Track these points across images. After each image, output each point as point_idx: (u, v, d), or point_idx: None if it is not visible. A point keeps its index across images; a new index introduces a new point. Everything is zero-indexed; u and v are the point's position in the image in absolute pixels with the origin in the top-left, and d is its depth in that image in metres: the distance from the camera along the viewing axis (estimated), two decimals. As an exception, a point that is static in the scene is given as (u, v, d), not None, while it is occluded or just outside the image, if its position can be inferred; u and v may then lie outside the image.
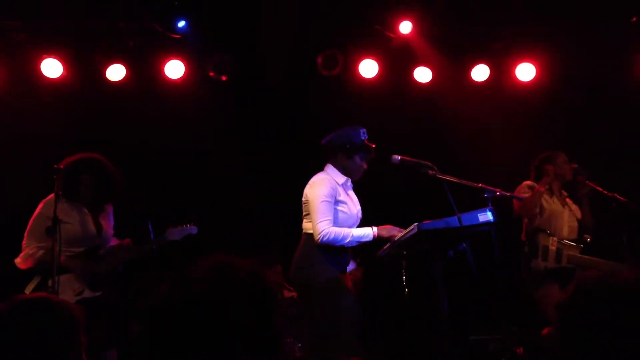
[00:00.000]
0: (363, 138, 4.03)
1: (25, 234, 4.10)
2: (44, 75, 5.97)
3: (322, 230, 3.78)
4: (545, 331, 4.81)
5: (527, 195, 4.81)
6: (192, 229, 4.39)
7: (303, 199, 4.01)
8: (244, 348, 1.28)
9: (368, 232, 3.88)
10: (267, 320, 1.34)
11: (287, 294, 6.16)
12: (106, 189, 4.22)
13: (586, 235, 4.93)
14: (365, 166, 4.07)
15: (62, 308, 1.87)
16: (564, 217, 4.93)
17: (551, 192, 4.96)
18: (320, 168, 4.12)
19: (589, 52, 6.29)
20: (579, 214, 5.02)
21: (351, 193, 4.09)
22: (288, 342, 5.26)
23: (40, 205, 4.11)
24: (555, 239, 4.78)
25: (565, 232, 4.88)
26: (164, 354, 1.27)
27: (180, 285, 1.32)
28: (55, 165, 4.03)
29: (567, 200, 5.06)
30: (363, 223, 4.10)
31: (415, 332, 6.05)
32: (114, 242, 4.33)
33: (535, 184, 4.92)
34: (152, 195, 5.94)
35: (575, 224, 4.96)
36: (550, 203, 4.90)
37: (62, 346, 1.81)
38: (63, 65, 5.97)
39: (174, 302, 1.31)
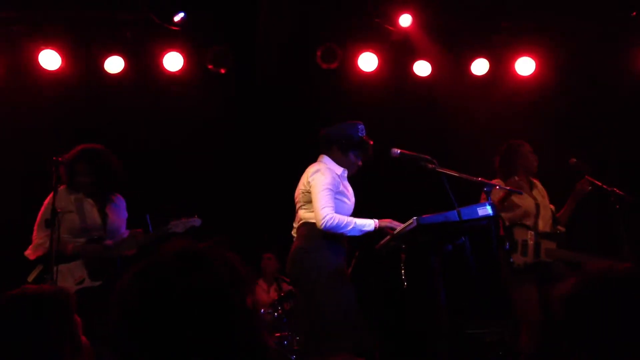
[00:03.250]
0: (361, 135, 4.03)
1: (35, 227, 4.14)
2: (42, 67, 5.94)
3: (326, 216, 3.77)
4: (523, 346, 4.75)
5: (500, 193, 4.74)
6: (196, 221, 4.37)
7: (301, 188, 3.99)
8: (213, 339, 1.17)
9: (370, 223, 3.88)
10: (237, 309, 1.21)
11: (285, 287, 6.18)
12: (104, 177, 4.22)
13: (559, 227, 4.90)
14: (359, 163, 4.07)
15: (50, 296, 1.88)
16: (538, 210, 4.88)
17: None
18: (316, 159, 4.11)
19: (588, 47, 6.29)
20: (548, 202, 4.96)
21: (347, 184, 4.10)
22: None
23: (48, 198, 4.12)
24: (532, 232, 4.76)
25: (540, 225, 4.84)
26: (135, 349, 1.17)
27: (142, 274, 1.23)
28: (55, 157, 4.04)
29: (536, 187, 4.97)
30: (363, 215, 4.10)
31: (412, 325, 6.08)
32: (127, 233, 4.33)
33: (500, 183, 4.81)
34: (150, 188, 5.93)
35: (549, 214, 4.91)
36: (523, 198, 4.85)
37: (53, 332, 1.84)
38: (61, 57, 5.95)
39: (136, 292, 1.21)
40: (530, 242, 4.73)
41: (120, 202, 4.36)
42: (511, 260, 4.71)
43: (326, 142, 4.06)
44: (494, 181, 4.73)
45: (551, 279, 4.65)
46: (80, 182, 4.17)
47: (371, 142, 4.06)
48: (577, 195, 4.93)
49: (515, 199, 4.77)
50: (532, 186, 4.97)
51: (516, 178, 4.76)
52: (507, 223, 4.83)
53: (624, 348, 1.36)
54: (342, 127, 4.05)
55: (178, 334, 1.16)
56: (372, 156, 4.09)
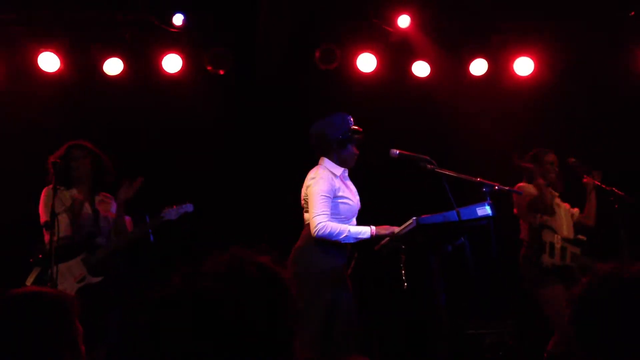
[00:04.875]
0: (351, 125, 4.04)
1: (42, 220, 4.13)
2: (41, 69, 5.94)
3: (319, 224, 3.78)
4: (550, 346, 4.79)
5: (529, 194, 4.82)
6: (188, 207, 4.41)
7: (303, 192, 4.00)
8: (254, 348, 1.24)
9: (366, 230, 3.87)
10: (279, 320, 1.30)
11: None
12: (98, 171, 4.25)
13: (581, 236, 4.95)
14: (357, 151, 4.08)
15: (52, 299, 1.87)
16: (561, 215, 4.94)
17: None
18: (316, 161, 4.11)
19: (587, 47, 6.29)
20: (574, 213, 5.04)
21: (349, 183, 4.10)
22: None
23: (42, 196, 4.13)
24: (558, 236, 4.81)
25: (564, 231, 4.89)
26: (167, 350, 1.23)
27: (192, 279, 1.28)
28: (52, 159, 4.05)
29: (557, 199, 5.06)
30: (362, 217, 4.10)
31: (412, 325, 6.08)
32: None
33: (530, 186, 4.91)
34: (150, 190, 5.92)
35: (572, 223, 4.98)
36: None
37: (55, 338, 1.82)
38: (60, 59, 5.95)
39: (184, 296, 1.27)
40: (558, 245, 4.78)
41: (110, 200, 4.38)
42: (540, 260, 4.75)
43: (324, 143, 4.05)
44: (520, 184, 4.82)
45: (570, 284, 4.69)
46: (76, 177, 4.20)
47: (360, 129, 4.06)
48: (590, 189, 4.98)
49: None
50: (552, 195, 5.03)
51: (542, 181, 4.85)
52: (535, 224, 4.86)
53: (633, 349, 1.37)
54: (333, 124, 4.05)
55: (221, 342, 1.25)
56: (364, 140, 4.09)
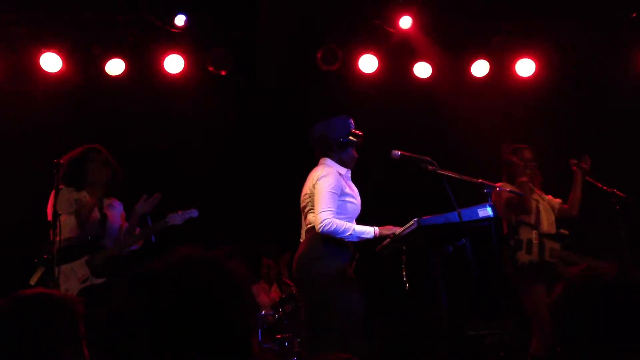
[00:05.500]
0: (352, 127, 4.05)
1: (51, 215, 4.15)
2: (43, 70, 5.95)
3: (325, 220, 3.76)
4: (532, 348, 4.77)
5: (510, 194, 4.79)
6: (193, 213, 4.41)
7: (307, 192, 3.99)
8: (211, 349, 1.21)
9: (369, 230, 3.87)
10: (235, 318, 1.25)
11: (286, 288, 6.19)
12: (111, 176, 4.28)
13: (563, 230, 4.91)
14: (356, 155, 4.08)
15: (60, 302, 1.87)
16: (542, 210, 4.90)
17: (522, 188, 4.89)
18: (315, 162, 4.11)
19: (588, 48, 6.29)
20: (554, 205, 4.99)
21: (351, 183, 4.10)
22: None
23: (51, 197, 4.14)
24: (536, 232, 4.77)
25: (545, 226, 4.85)
26: (132, 355, 1.20)
27: (144, 284, 1.25)
28: (56, 160, 4.06)
29: (538, 192, 5.00)
30: (363, 218, 4.10)
31: (413, 326, 6.08)
32: None
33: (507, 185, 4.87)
34: (151, 190, 5.93)
35: (553, 217, 4.93)
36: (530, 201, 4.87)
37: (60, 340, 1.82)
38: (62, 60, 5.96)
39: (137, 301, 1.23)
40: (535, 242, 4.74)
41: (118, 205, 4.40)
42: (516, 258, 4.72)
43: (323, 144, 4.05)
44: (499, 183, 4.78)
45: (555, 280, 4.67)
46: (90, 179, 4.22)
47: (360, 133, 4.07)
48: (578, 176, 4.92)
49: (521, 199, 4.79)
50: (531, 190, 4.98)
51: (524, 179, 4.79)
52: (512, 222, 4.84)
53: (608, 354, 1.37)
54: (335, 126, 4.04)
55: (180, 343, 1.20)
56: (363, 144, 4.09)
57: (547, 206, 4.96)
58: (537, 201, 4.92)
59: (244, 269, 1.30)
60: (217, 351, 1.21)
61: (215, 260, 1.29)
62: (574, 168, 4.96)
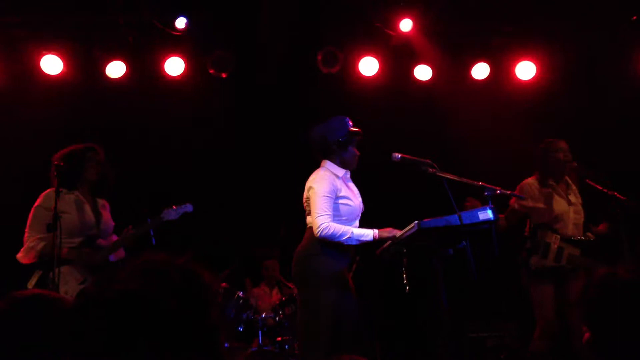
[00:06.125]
0: (349, 126, 4.05)
1: (27, 229, 4.14)
2: (44, 72, 5.96)
3: (322, 224, 3.78)
4: (531, 345, 4.78)
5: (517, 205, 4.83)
6: (188, 207, 4.44)
7: (305, 195, 4.01)
8: (178, 350, 1.22)
9: (369, 233, 3.87)
10: (201, 319, 1.26)
11: (286, 290, 6.19)
12: (106, 175, 4.28)
13: (589, 234, 4.91)
14: (358, 152, 4.09)
15: (59, 304, 1.87)
16: (570, 215, 4.88)
17: (553, 188, 4.91)
18: (317, 164, 4.12)
19: (589, 50, 6.30)
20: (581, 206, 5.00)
21: (351, 185, 4.11)
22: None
23: (39, 199, 4.14)
24: (558, 237, 4.75)
25: (569, 229, 4.84)
26: (96, 353, 1.20)
27: (105, 285, 1.26)
28: (56, 162, 4.06)
29: (572, 189, 4.96)
30: (364, 220, 4.11)
31: (414, 328, 6.08)
32: (114, 238, 4.36)
33: (535, 183, 4.91)
34: (152, 192, 5.94)
35: (581, 221, 4.92)
36: (557, 201, 4.87)
37: (57, 342, 1.82)
38: (63, 62, 5.97)
39: (96, 303, 1.24)
40: (554, 246, 4.72)
41: (107, 206, 4.41)
42: (530, 262, 4.73)
43: (323, 147, 4.06)
44: (530, 178, 4.86)
45: (565, 282, 4.69)
46: (87, 179, 4.22)
47: (359, 130, 4.07)
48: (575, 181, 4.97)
49: (549, 202, 4.80)
50: (568, 187, 4.96)
51: (551, 181, 4.84)
52: (532, 224, 4.85)
53: (629, 351, 1.40)
54: (333, 127, 4.04)
55: (141, 342, 1.21)
56: (363, 140, 4.10)
57: (579, 208, 4.93)
58: (570, 201, 4.90)
59: (207, 272, 1.32)
60: (186, 352, 1.23)
61: (177, 263, 1.30)
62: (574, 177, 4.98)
